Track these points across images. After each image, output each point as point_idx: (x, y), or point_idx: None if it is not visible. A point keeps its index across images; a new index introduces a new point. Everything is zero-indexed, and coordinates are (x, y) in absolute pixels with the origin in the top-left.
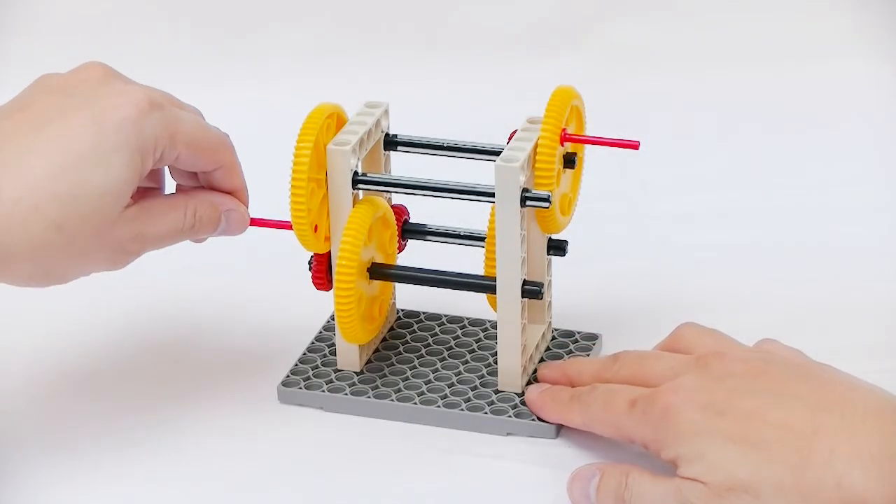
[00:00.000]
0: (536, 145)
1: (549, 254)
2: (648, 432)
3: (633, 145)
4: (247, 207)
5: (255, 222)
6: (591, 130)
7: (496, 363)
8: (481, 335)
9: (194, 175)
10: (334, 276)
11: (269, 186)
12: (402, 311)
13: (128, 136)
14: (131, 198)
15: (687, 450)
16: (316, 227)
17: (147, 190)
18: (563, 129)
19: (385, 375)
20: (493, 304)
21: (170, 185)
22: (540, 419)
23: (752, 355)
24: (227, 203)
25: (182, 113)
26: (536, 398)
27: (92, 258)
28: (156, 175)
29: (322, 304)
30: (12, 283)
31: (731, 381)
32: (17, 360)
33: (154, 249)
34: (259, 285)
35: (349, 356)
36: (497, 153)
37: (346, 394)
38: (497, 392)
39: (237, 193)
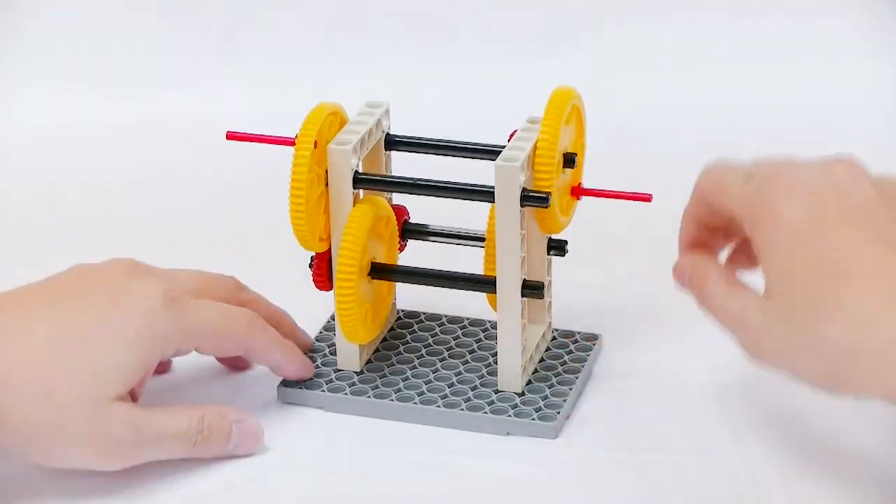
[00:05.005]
0: (536, 145)
1: (549, 254)
2: (747, 210)
3: (646, 198)
4: (300, 367)
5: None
6: (590, 130)
7: (496, 363)
8: (481, 335)
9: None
10: (335, 276)
11: (268, 186)
12: (403, 311)
13: (137, 327)
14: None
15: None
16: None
17: None
18: (579, 185)
19: (385, 375)
20: (494, 304)
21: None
22: (540, 419)
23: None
24: (235, 414)
25: (200, 305)
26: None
27: (80, 439)
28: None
29: (322, 304)
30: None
31: (843, 199)
32: None
33: (153, 456)
34: (259, 285)
35: (349, 356)
36: (497, 153)
37: (347, 394)
38: (497, 392)
39: (279, 369)
